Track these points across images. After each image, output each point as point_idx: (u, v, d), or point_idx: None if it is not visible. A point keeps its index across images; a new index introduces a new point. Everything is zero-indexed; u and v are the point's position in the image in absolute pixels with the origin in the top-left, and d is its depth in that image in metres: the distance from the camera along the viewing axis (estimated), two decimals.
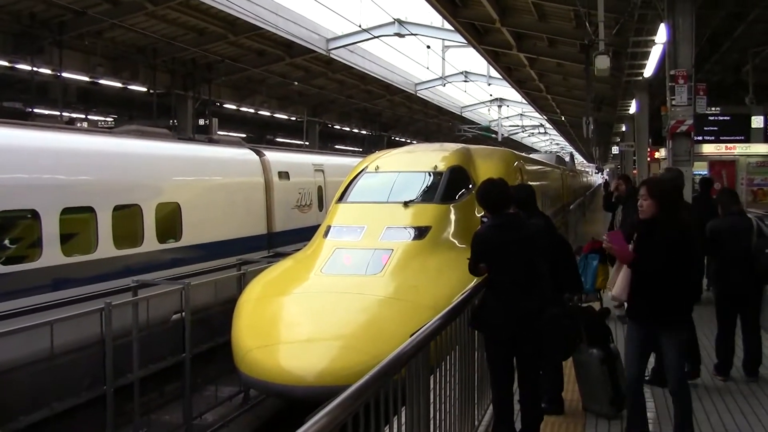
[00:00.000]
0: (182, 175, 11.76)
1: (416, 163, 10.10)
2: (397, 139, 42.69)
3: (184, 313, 9.09)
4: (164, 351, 9.12)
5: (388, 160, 10.33)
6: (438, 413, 3.97)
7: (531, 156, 23.11)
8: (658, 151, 21.65)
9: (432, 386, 3.89)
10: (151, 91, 20.05)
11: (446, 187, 9.21)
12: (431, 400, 3.82)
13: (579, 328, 4.92)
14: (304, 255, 8.79)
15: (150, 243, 10.32)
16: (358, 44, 23.92)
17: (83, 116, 20.93)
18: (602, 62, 11.46)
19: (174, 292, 9.34)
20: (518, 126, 51.08)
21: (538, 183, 15.69)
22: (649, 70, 15.55)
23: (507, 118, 47.67)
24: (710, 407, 5.64)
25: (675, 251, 4.44)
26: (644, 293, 4.54)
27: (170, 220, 10.96)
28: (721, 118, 18.94)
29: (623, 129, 29.76)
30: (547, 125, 48.21)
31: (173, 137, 13.46)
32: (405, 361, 3.21)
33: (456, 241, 8.41)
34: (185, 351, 8.91)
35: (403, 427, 3.33)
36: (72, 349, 8.06)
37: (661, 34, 11.47)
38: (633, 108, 22.33)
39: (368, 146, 36.42)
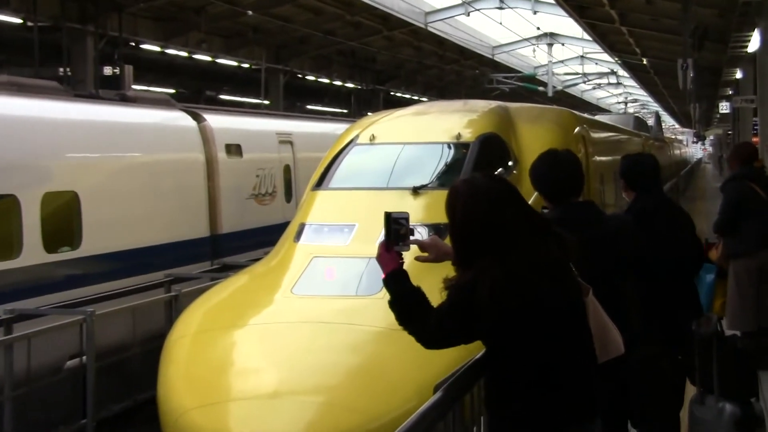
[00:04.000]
0: (81, 151, 11.75)
1: (430, 130, 10.15)
2: (398, 95, 42.68)
3: (85, 358, 9.03)
4: (54, 415, 9.06)
5: (387, 126, 10.36)
6: None
7: (597, 118, 23.09)
8: None
9: None
10: (30, 24, 19.96)
11: (475, 164, 9.23)
12: None
13: (686, 375, 4.88)
14: (265, 268, 8.80)
15: (32, 253, 10.28)
16: None
17: None
18: None
19: (70, 326, 9.28)
20: (578, 74, 51.13)
21: (608, 158, 15.69)
22: None
23: (561, 62, 47.70)
24: None
25: None
26: None
27: (64, 219, 10.96)
28: None
29: (738, 76, 29.78)
30: (621, 73, 48.22)
31: (66, 94, 13.41)
32: (428, 426, 3.19)
33: None
34: (86, 415, 8.85)
35: None
36: None
37: None
38: (754, 44, 22.30)
39: (357, 106, 36.40)
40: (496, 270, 3.63)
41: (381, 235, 8.34)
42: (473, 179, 3.93)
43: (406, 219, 3.99)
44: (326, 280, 7.98)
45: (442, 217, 8.89)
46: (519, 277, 3.64)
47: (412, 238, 3.98)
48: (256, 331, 7.55)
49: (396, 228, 3.95)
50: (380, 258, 3.96)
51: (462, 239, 3.80)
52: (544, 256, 3.75)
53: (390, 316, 7.31)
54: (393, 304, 3.88)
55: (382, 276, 3.90)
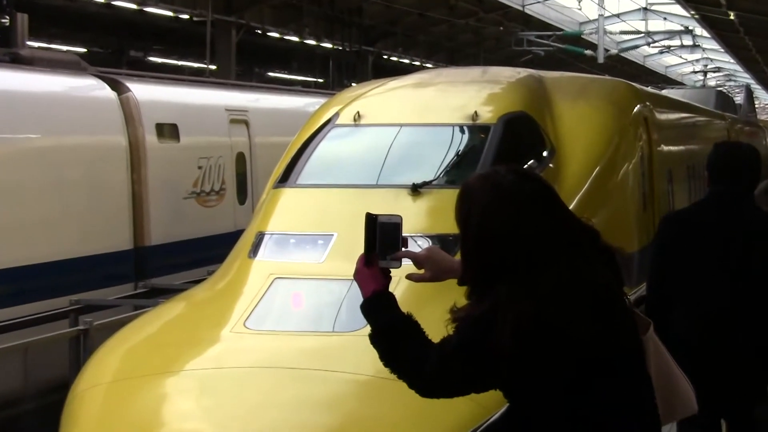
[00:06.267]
0: None
1: (435, 107, 10.25)
2: (393, 59, 42.76)
3: None
4: None
5: (378, 101, 10.50)
6: None
7: (665, 93, 23.16)
8: None
9: None
10: None
11: (497, 154, 9.29)
12: None
13: None
14: (209, 293, 8.84)
15: None
16: None
17: None
18: None
19: None
20: (639, 34, 51.28)
21: (680, 148, 15.75)
22: None
23: (617, 17, 47.81)
24: None
25: None
26: None
27: None
28: None
29: None
30: (699, 31, 48.33)
31: None
32: None
33: None
34: None
35: None
36: None
37: None
38: None
39: (338, 74, 36.45)
40: (524, 300, 3.56)
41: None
42: (495, 174, 3.86)
43: (398, 225, 3.93)
44: (292, 310, 8.02)
45: (451, 226, 8.94)
46: (554, 310, 3.57)
47: (404, 249, 3.91)
48: (196, 379, 7.49)
49: (382, 236, 3.88)
50: (358, 275, 3.89)
51: (478, 256, 3.74)
52: (589, 281, 3.68)
53: (379, 360, 7.36)
54: (375, 338, 3.82)
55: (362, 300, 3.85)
